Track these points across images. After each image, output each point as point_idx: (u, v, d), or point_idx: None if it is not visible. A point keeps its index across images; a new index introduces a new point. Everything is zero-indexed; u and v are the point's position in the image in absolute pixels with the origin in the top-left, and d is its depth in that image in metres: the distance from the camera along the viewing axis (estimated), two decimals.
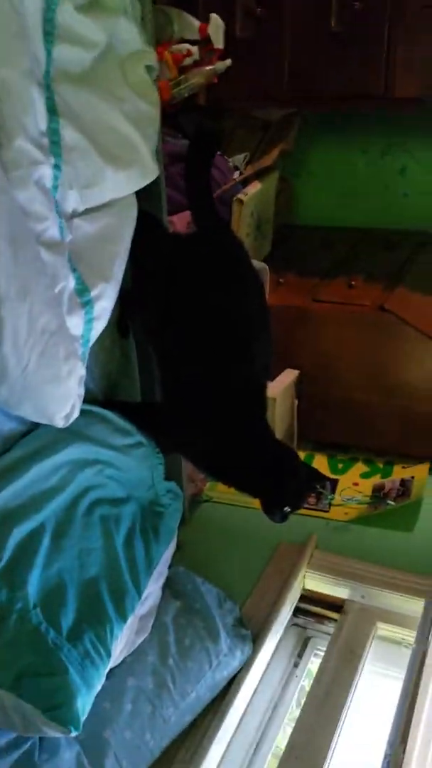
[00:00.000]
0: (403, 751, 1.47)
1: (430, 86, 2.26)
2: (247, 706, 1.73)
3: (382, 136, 2.96)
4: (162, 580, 1.67)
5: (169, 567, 1.75)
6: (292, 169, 3.08)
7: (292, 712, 1.83)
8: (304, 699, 1.76)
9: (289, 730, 1.72)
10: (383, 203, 3.05)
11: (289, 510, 1.57)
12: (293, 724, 1.70)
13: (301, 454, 2.55)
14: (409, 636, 1.81)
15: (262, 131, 2.74)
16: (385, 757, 1.48)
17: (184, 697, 1.51)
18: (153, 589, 1.60)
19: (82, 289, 1.35)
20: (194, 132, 1.85)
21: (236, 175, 2.49)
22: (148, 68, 1.55)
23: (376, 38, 2.31)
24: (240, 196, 2.41)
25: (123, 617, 1.40)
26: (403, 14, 2.25)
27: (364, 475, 2.44)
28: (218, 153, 2.17)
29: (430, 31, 2.23)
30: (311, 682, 1.81)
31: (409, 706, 1.56)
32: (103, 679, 1.31)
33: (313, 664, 1.94)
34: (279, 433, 2.41)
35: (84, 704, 1.21)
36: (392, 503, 2.23)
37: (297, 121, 2.79)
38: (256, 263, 2.32)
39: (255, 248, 2.62)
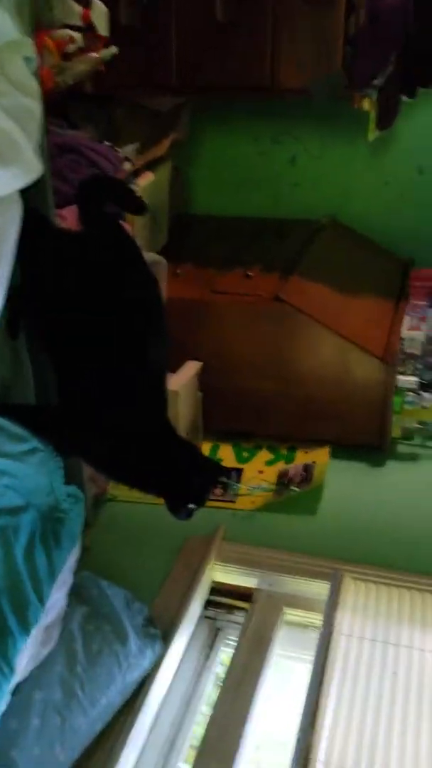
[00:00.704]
0: (313, 735, 1.51)
1: (313, 78, 2.29)
2: (161, 703, 1.73)
3: (272, 125, 2.98)
4: (67, 588, 1.63)
5: (74, 572, 1.71)
6: (185, 158, 3.06)
7: (207, 701, 1.84)
8: (218, 690, 1.77)
9: (205, 722, 1.73)
10: (275, 192, 3.09)
11: (193, 507, 1.57)
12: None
13: (207, 445, 2.57)
14: (317, 619, 1.86)
15: (153, 120, 2.70)
16: (297, 743, 1.52)
17: (94, 705, 1.48)
18: (57, 598, 1.56)
19: None
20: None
21: (127, 166, 2.44)
22: (27, 60, 1.48)
23: (260, 31, 2.31)
24: (132, 187, 2.37)
25: (26, 630, 1.35)
26: (285, 8, 2.26)
27: (269, 463, 2.47)
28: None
29: (310, 25, 2.25)
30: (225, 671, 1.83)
31: (318, 690, 1.60)
32: (8, 697, 1.26)
33: (225, 653, 1.96)
34: (184, 424, 2.40)
35: None
36: (296, 489, 2.28)
37: (187, 110, 2.76)
38: (153, 256, 2.30)
39: (151, 240, 2.59)
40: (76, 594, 1.69)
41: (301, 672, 1.82)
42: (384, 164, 2.94)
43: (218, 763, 1.57)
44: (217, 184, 3.16)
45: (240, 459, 2.52)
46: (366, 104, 2.36)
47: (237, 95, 2.57)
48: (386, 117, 2.45)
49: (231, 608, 2.01)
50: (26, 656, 1.40)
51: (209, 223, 3.01)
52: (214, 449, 2.56)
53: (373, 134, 2.48)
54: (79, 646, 1.55)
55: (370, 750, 1.51)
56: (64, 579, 1.60)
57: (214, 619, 2.02)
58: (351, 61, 2.22)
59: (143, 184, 2.41)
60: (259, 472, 2.43)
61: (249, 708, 1.68)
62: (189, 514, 1.57)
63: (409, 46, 2.25)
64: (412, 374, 2.44)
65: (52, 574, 1.52)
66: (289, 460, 2.47)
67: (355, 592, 1.87)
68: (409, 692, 1.62)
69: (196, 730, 1.77)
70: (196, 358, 2.45)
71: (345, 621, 1.79)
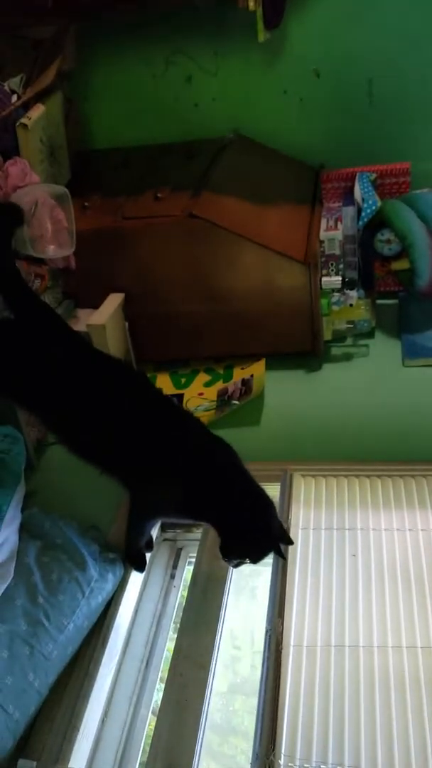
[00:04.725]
0: (282, 624, 1.54)
1: None
2: (132, 624, 1.74)
3: (163, 47, 2.88)
4: (16, 524, 1.61)
5: (23, 510, 1.69)
6: (78, 91, 2.94)
7: (177, 619, 1.86)
8: (184, 603, 1.79)
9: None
10: (176, 115, 3.00)
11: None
12: None
13: None
14: None
15: (35, 51, 2.57)
16: (266, 633, 1.54)
17: (61, 630, 1.48)
18: (8, 534, 1.54)
19: None
20: None
21: (15, 99, 2.32)
22: None
23: None
24: (23, 120, 2.26)
25: None
26: None
27: (207, 384, 2.47)
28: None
29: None
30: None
31: (282, 581, 1.63)
32: None
33: (188, 572, 1.98)
34: None
35: None
36: (237, 402, 2.28)
37: (71, 36, 2.64)
38: (56, 187, 2.22)
39: (52, 175, 2.49)
40: (27, 530, 1.67)
41: (264, 573, 1.85)
42: (280, 73, 2.87)
43: (195, 668, 1.59)
44: (115, 115, 3.05)
45: (178, 385, 2.50)
46: (251, 3, 2.29)
47: (118, 11, 2.45)
48: (273, 15, 2.38)
49: (189, 527, 2.02)
50: None
51: (113, 155, 2.91)
52: (151, 380, 2.54)
53: (262, 34, 2.42)
54: (38, 579, 1.54)
55: (339, 629, 1.55)
56: (13, 516, 1.58)
57: (174, 540, 2.03)
58: None
59: (35, 116, 2.30)
60: (199, 395, 2.42)
61: (218, 611, 1.70)
62: (237, 565, 1.55)
63: None
64: (336, 274, 2.44)
65: None
66: (227, 378, 2.46)
67: (305, 488, 1.90)
68: (369, 570, 1.67)
69: (169, 646, 1.80)
70: (119, 289, 2.40)
71: (300, 515, 1.82)
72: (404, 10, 2.64)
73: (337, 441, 2.09)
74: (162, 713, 1.52)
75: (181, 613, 1.85)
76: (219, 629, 1.66)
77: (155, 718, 1.55)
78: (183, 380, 2.53)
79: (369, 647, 1.49)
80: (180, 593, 1.95)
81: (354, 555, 1.71)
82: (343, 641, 1.51)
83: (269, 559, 1.73)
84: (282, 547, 1.58)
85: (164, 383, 2.52)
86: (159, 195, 2.42)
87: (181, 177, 2.56)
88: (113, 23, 2.79)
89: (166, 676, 1.63)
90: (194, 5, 2.26)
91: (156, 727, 1.51)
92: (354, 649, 1.49)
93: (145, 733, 1.61)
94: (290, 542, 1.62)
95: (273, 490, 1.91)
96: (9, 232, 1.84)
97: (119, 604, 1.66)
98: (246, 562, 1.55)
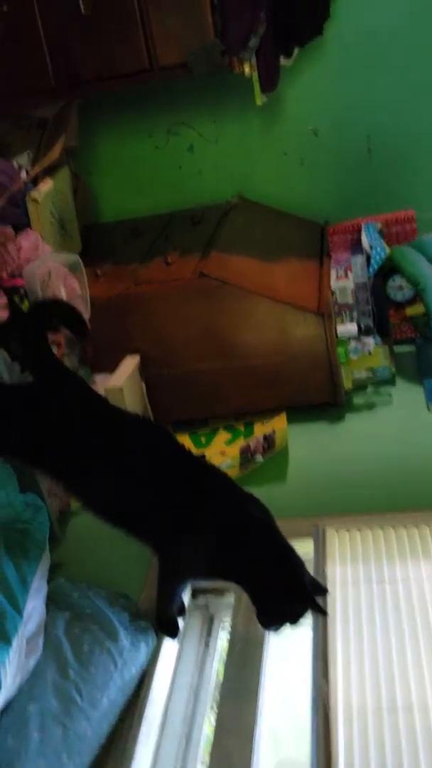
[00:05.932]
0: (327, 686, 1.45)
1: (188, 49, 2.28)
2: (168, 698, 1.65)
3: (164, 118, 2.97)
4: (43, 595, 1.54)
5: (49, 582, 1.63)
6: (84, 167, 3.03)
7: (215, 691, 1.77)
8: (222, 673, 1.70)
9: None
10: (180, 184, 3.07)
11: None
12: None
13: None
14: None
15: (40, 129, 2.65)
16: (312, 697, 1.45)
17: (95, 706, 1.39)
18: (35, 606, 1.47)
19: None
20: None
21: (24, 175, 2.38)
22: None
23: (126, 15, 2.30)
24: (33, 194, 2.31)
25: (6, 641, 1.28)
26: None
27: (228, 442, 2.42)
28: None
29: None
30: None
31: (323, 640, 1.55)
32: None
33: (222, 639, 1.89)
34: None
35: None
36: (261, 458, 2.24)
37: (74, 112, 2.73)
38: (69, 256, 2.25)
39: (63, 247, 2.52)
40: (55, 601, 1.60)
41: (304, 633, 1.76)
42: (279, 135, 2.95)
43: (240, 743, 1.50)
44: (121, 188, 3.12)
45: (198, 445, 2.46)
46: (246, 68, 2.36)
47: (120, 84, 2.52)
48: (269, 80, 2.45)
49: (220, 591, 1.94)
50: (12, 669, 1.30)
51: (121, 227, 2.96)
52: None
53: (260, 99, 2.48)
54: (68, 651, 1.46)
55: (389, 688, 1.45)
56: (38, 587, 1.52)
57: (206, 606, 1.95)
58: (222, 26, 2.22)
59: (43, 190, 2.35)
60: (221, 453, 2.38)
61: (258, 678, 1.61)
62: (278, 629, 1.49)
63: (278, 3, 2.27)
64: (350, 323, 2.42)
65: (24, 584, 1.45)
66: (247, 434, 2.42)
67: (339, 542, 1.83)
68: (415, 623, 1.58)
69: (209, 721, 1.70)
70: (135, 352, 2.39)
71: (336, 571, 1.74)
72: (396, 65, 2.73)
73: (367, 492, 2.03)
74: None
75: (218, 685, 1.77)
76: (261, 698, 1.56)
77: None
78: (203, 440, 2.49)
79: (424, 707, 1.39)
80: (215, 663, 1.86)
81: (397, 608, 1.63)
82: (394, 702, 1.41)
83: (308, 619, 1.65)
84: (320, 601, 1.49)
85: (184, 443, 2.47)
86: (169, 260, 2.44)
87: (189, 241, 2.59)
88: (114, 98, 2.89)
89: (208, 753, 1.53)
90: (192, 76, 2.32)
91: None
92: (408, 709, 1.40)
93: None
94: (325, 591, 1.54)
95: (306, 546, 1.83)
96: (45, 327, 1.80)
97: (153, 676, 1.57)
98: (286, 626, 1.47)
